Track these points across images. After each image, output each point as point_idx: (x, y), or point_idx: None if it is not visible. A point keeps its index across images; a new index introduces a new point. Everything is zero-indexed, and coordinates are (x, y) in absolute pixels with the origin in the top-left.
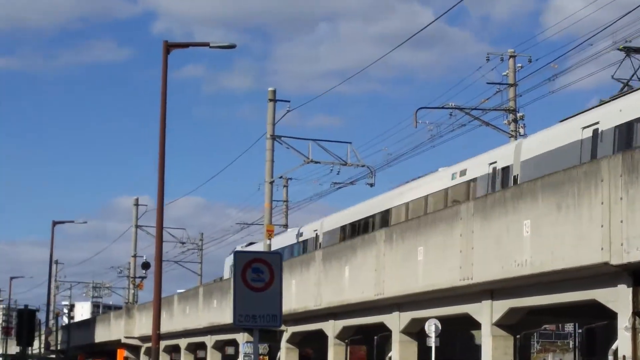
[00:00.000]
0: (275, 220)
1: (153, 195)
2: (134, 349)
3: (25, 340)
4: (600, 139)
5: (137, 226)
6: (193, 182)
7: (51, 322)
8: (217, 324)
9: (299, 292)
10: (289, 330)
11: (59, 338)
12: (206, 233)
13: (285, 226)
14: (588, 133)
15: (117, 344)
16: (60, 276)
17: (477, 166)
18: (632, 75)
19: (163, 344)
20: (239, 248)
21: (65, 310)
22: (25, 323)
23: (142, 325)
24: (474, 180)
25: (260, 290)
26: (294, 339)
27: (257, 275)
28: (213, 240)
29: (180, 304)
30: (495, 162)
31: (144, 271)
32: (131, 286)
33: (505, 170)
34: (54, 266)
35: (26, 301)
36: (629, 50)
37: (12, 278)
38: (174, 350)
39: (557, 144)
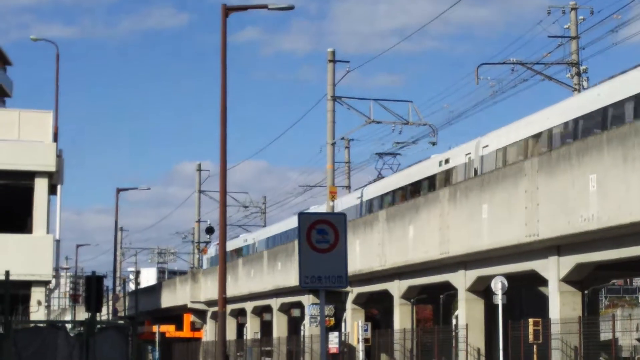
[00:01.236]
0: (337, 182)
1: (215, 160)
2: (200, 314)
3: (94, 306)
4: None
5: (200, 191)
6: (255, 146)
7: (118, 288)
8: (283, 287)
9: (363, 252)
10: (354, 291)
11: (127, 304)
12: (269, 196)
13: (348, 188)
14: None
15: (184, 308)
16: (125, 243)
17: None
18: None
19: (229, 307)
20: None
21: (132, 277)
22: (93, 289)
23: (207, 289)
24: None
25: (325, 251)
26: (359, 300)
27: (322, 237)
28: (276, 203)
29: (245, 267)
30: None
31: (208, 236)
32: (196, 251)
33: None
34: (119, 233)
35: (93, 268)
36: None
37: (78, 246)
38: (240, 313)
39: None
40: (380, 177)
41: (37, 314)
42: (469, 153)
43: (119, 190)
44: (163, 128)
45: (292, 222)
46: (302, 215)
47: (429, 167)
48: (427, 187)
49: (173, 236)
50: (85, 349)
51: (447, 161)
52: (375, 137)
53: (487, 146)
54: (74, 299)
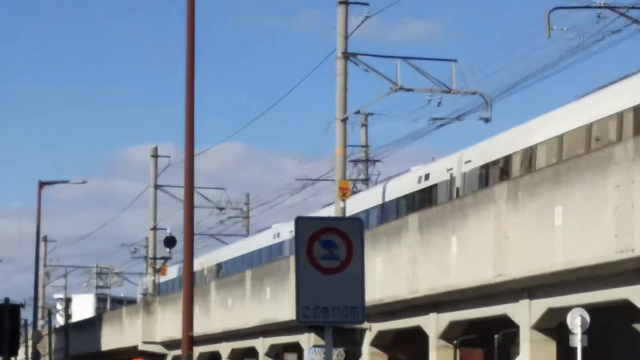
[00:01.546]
0: (350, 174)
1: (178, 142)
2: (156, 359)
3: (7, 348)
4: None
5: (156, 186)
6: (234, 124)
7: (41, 322)
8: (273, 322)
9: (387, 274)
10: (373, 329)
11: (53, 345)
12: (253, 194)
13: (366, 181)
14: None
15: (133, 352)
16: (51, 259)
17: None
18: None
19: (197, 350)
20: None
21: (60, 306)
22: (5, 324)
23: (166, 325)
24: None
25: (334, 272)
26: (381, 341)
27: (329, 252)
28: (263, 203)
29: (220, 294)
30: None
31: (167, 250)
32: (150, 271)
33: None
34: (42, 245)
35: (4, 294)
36: None
37: None
38: (212, 359)
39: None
40: (355, 190)
41: None
42: (451, 169)
43: (42, 184)
44: (104, 100)
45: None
46: (300, 221)
47: (407, 184)
48: (405, 206)
49: (118, 249)
50: None
51: (427, 177)
52: (404, 111)
53: (469, 161)
54: None
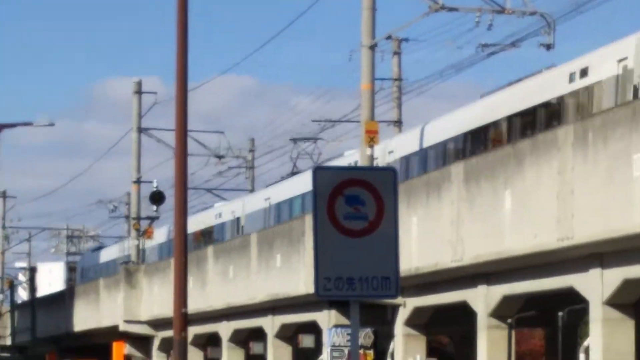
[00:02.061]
0: (379, 114)
1: (167, 75)
2: (141, 342)
3: None
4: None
5: (140, 129)
6: (235, 53)
7: None
8: (284, 296)
9: (425, 237)
10: (408, 305)
11: (15, 324)
12: (259, 139)
13: (398, 124)
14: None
15: (112, 333)
16: (11, 219)
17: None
18: None
19: (192, 331)
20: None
21: (23, 278)
22: None
23: (153, 300)
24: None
25: (361, 234)
26: (418, 319)
27: (355, 209)
28: (272, 150)
29: (219, 263)
30: None
31: (154, 208)
32: (133, 234)
33: None
34: None
35: None
36: None
37: None
38: (210, 342)
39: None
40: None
41: None
42: (377, 158)
43: (0, 128)
44: (75, 25)
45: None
46: (319, 172)
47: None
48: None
49: (93, 208)
50: None
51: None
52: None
53: (392, 152)
54: None
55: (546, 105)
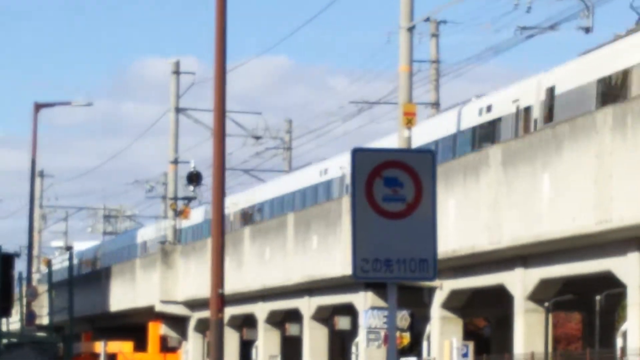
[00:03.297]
0: (417, 96)
1: (205, 56)
2: (177, 323)
3: None
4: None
5: (178, 110)
6: (272, 34)
7: (36, 276)
8: (320, 278)
9: (462, 220)
10: (445, 287)
11: (52, 304)
12: (297, 120)
13: (436, 106)
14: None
15: (149, 313)
16: (48, 198)
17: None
18: None
19: (228, 312)
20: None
21: (60, 257)
22: None
23: (189, 280)
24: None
25: (399, 216)
26: (455, 302)
27: (393, 191)
28: (309, 132)
29: (256, 244)
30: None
31: (191, 188)
32: (170, 213)
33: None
34: (37, 181)
35: None
36: None
37: None
38: (246, 323)
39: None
40: None
41: None
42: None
43: (38, 107)
44: (112, 3)
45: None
46: (358, 154)
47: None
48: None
49: (130, 187)
50: None
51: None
52: (484, 18)
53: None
54: None
55: (462, 132)
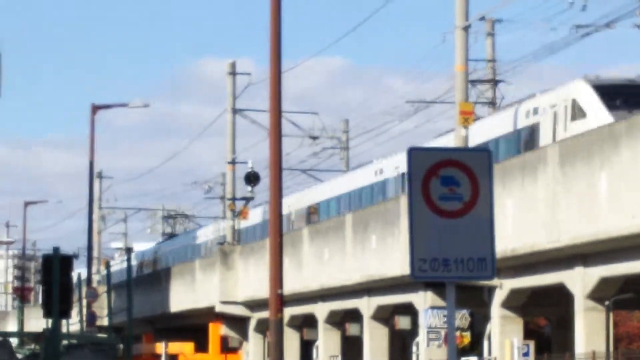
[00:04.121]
0: (474, 94)
1: (261, 57)
2: (238, 323)
3: (57, 308)
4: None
5: (235, 110)
6: (327, 34)
7: (96, 277)
8: (380, 278)
9: (520, 218)
10: (504, 286)
11: (112, 305)
12: (354, 120)
13: (492, 104)
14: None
15: (209, 314)
16: (107, 199)
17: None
18: None
19: (288, 312)
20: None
21: (119, 258)
22: (55, 279)
23: (249, 281)
24: None
25: (456, 215)
26: (515, 301)
27: (450, 190)
28: (365, 132)
29: (315, 244)
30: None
31: (249, 188)
32: (228, 214)
33: None
34: (96, 182)
35: (53, 242)
36: None
37: (27, 204)
38: (306, 323)
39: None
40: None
41: None
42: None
43: (95, 109)
44: (169, 5)
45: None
46: (414, 153)
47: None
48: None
49: (189, 188)
50: None
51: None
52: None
53: None
54: (22, 294)
55: (366, 188)
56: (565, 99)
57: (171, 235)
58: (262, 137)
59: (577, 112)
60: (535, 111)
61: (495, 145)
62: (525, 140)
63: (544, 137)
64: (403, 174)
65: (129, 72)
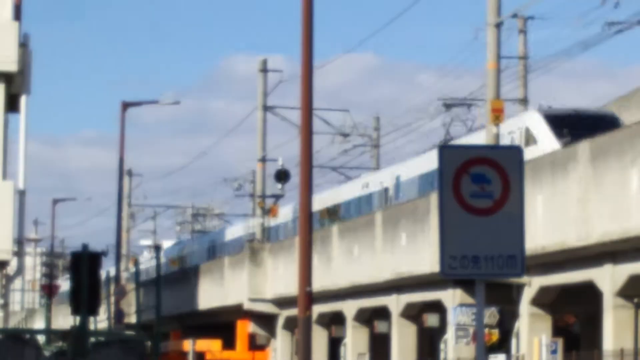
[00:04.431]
0: (505, 92)
1: (292, 54)
2: (266, 320)
3: (85, 305)
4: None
5: (265, 107)
6: (358, 31)
7: (125, 274)
8: (409, 275)
9: (550, 216)
10: (533, 284)
11: (140, 302)
12: (385, 117)
13: (524, 102)
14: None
15: (237, 311)
16: (136, 197)
17: None
18: None
19: (317, 310)
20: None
21: (148, 255)
22: (83, 276)
23: (278, 279)
24: None
25: (487, 213)
26: (543, 299)
27: (481, 188)
28: (396, 129)
29: (344, 241)
30: None
31: (279, 185)
32: (258, 211)
33: None
34: (125, 180)
35: (82, 240)
36: None
37: (56, 201)
38: (334, 320)
39: None
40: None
41: None
42: None
43: (125, 106)
44: (203, 3)
45: None
46: (445, 151)
47: None
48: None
49: (218, 186)
50: None
51: None
52: (572, 13)
53: None
54: (50, 291)
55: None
56: (520, 127)
57: (200, 233)
58: (292, 134)
59: (530, 139)
60: (497, 137)
61: None
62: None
63: None
64: (386, 189)
65: (159, 69)
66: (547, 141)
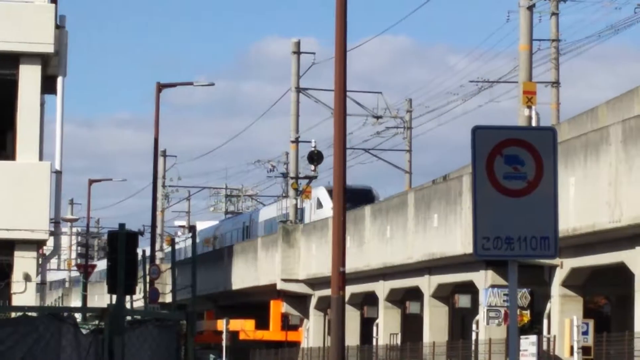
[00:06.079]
0: (537, 74)
1: (325, 36)
2: (298, 301)
3: (122, 285)
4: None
5: (299, 89)
6: (390, 13)
7: (160, 255)
8: (441, 256)
9: (583, 198)
10: (565, 265)
11: (175, 282)
12: (417, 99)
13: (555, 84)
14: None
15: (270, 292)
16: (171, 178)
17: None
18: None
19: (349, 290)
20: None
21: (183, 236)
22: (120, 256)
23: (310, 259)
24: None
25: (520, 194)
26: (575, 280)
27: (514, 169)
28: (429, 111)
29: (377, 222)
30: None
31: (312, 167)
32: (291, 193)
33: None
34: (160, 161)
35: (118, 220)
36: None
37: (92, 181)
38: (367, 301)
39: None
40: None
41: (24, 295)
42: None
43: (160, 87)
44: None
45: None
46: (479, 132)
47: None
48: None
49: (251, 167)
50: (108, 355)
51: None
52: None
53: None
54: (86, 271)
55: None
56: (314, 196)
57: (234, 214)
58: (325, 116)
59: (319, 204)
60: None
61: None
62: (300, 217)
63: (307, 217)
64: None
65: (193, 52)
66: (327, 206)
